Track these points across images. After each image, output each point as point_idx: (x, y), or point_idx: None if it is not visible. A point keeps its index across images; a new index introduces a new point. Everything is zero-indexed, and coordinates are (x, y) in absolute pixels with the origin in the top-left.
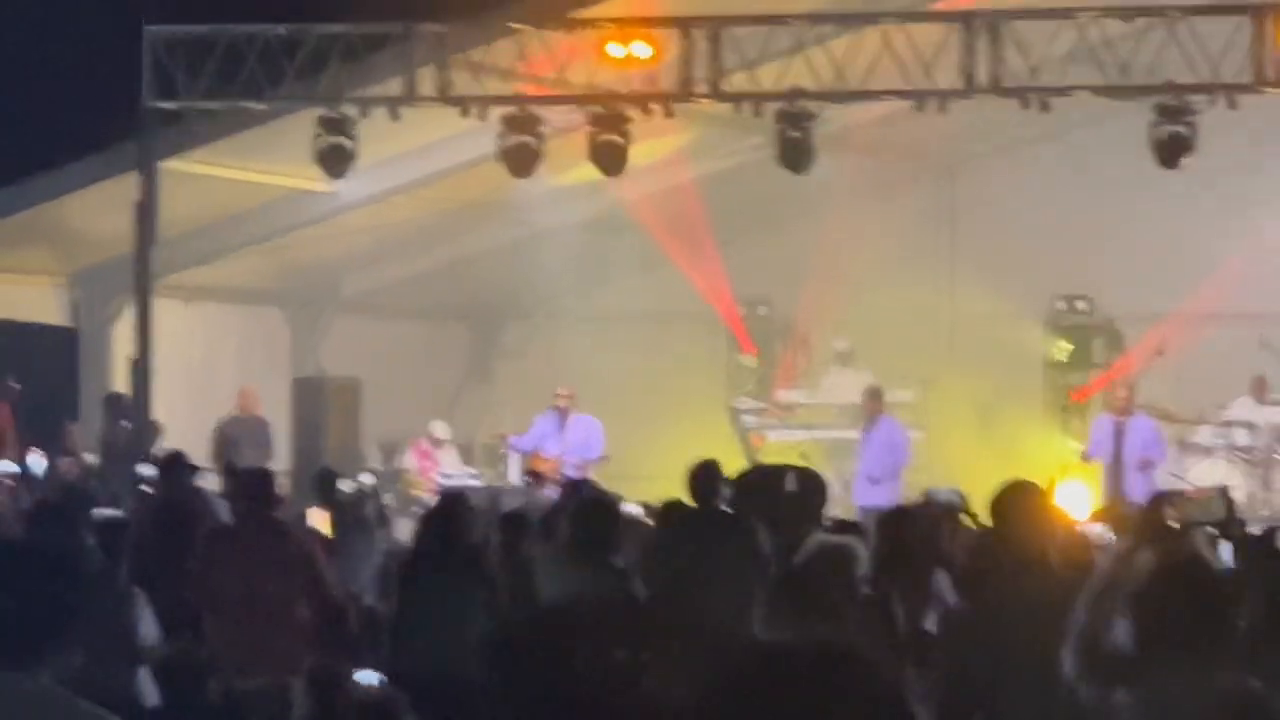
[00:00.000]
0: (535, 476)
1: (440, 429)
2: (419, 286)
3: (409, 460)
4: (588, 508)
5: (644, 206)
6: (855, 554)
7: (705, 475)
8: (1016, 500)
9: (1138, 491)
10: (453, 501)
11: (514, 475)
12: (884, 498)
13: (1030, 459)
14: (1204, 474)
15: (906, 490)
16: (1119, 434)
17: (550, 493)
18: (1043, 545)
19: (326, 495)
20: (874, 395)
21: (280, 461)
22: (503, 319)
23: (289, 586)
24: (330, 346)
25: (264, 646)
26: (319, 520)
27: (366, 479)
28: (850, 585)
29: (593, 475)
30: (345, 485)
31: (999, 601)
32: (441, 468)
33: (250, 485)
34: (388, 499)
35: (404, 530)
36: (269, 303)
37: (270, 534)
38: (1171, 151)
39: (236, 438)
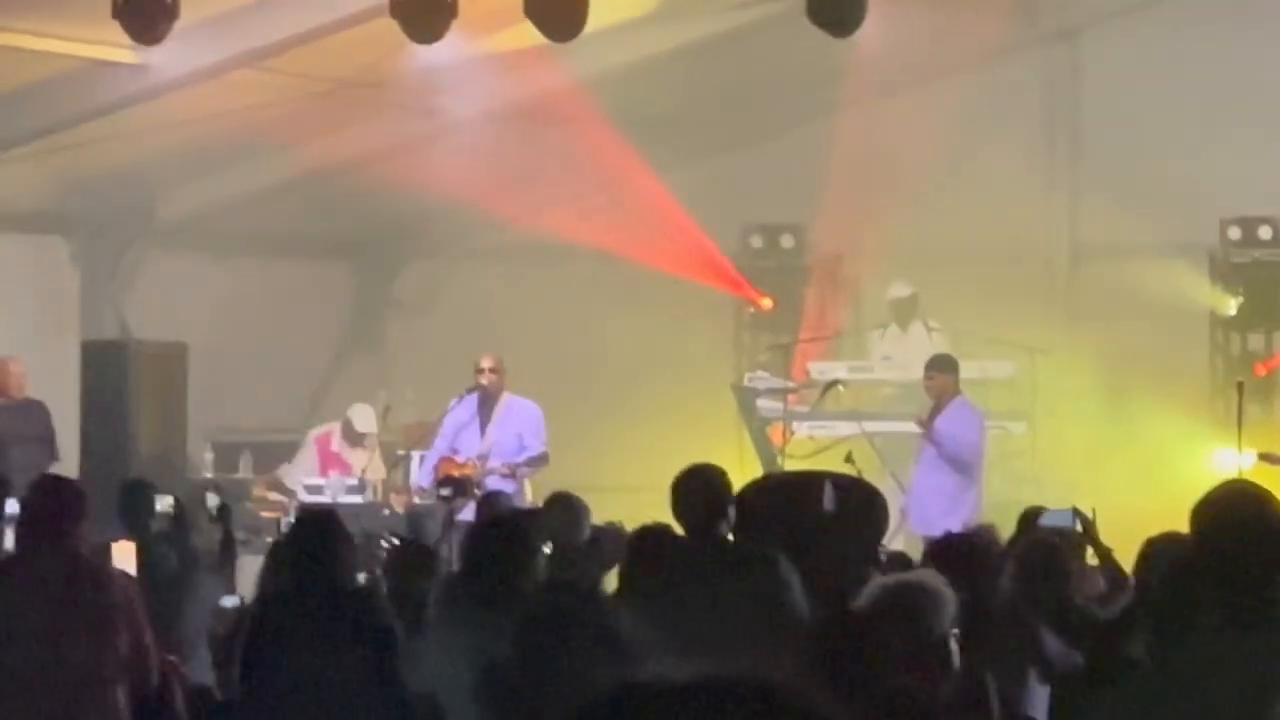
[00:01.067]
0: (450, 486)
1: (362, 418)
2: (272, 208)
3: (301, 461)
4: (481, 533)
5: (607, 88)
6: (941, 599)
7: (700, 489)
8: (1231, 512)
9: None
10: (321, 524)
11: (417, 483)
12: (947, 515)
13: (1183, 460)
14: None
15: (990, 506)
16: None
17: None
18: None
19: (136, 521)
20: (944, 366)
21: (65, 465)
22: (397, 256)
23: (101, 652)
24: (140, 295)
25: None
26: (125, 557)
27: (212, 498)
28: (934, 646)
29: (526, 485)
30: (161, 504)
31: (1175, 677)
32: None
33: (41, 503)
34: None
35: (248, 573)
36: (47, 230)
37: (76, 576)
38: None
39: (1, 432)
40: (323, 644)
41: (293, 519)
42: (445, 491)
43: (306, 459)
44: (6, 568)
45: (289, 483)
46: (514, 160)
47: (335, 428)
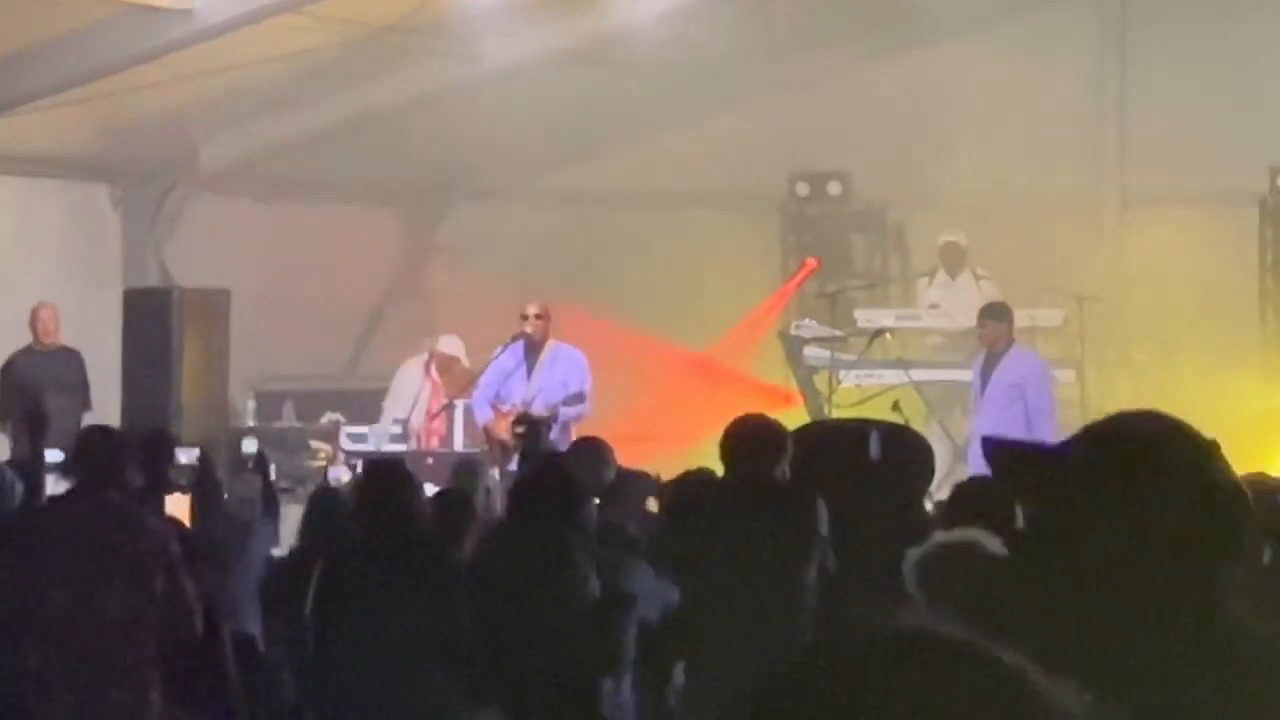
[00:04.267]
0: (491, 439)
1: (456, 348)
2: (316, 153)
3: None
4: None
5: (649, 34)
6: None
7: (751, 435)
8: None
9: None
10: (388, 473)
11: (461, 438)
12: None
13: (1238, 415)
14: None
15: None
16: None
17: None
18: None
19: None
20: (998, 314)
21: (104, 414)
22: (443, 201)
23: (136, 599)
24: (182, 243)
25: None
26: (180, 507)
27: (249, 445)
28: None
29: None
30: (186, 456)
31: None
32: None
33: (87, 450)
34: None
35: (291, 522)
36: (89, 176)
37: (113, 524)
38: None
39: (33, 379)
40: (396, 596)
41: (338, 470)
42: (520, 429)
43: (407, 388)
44: (40, 516)
45: (385, 417)
46: (560, 106)
47: (424, 358)
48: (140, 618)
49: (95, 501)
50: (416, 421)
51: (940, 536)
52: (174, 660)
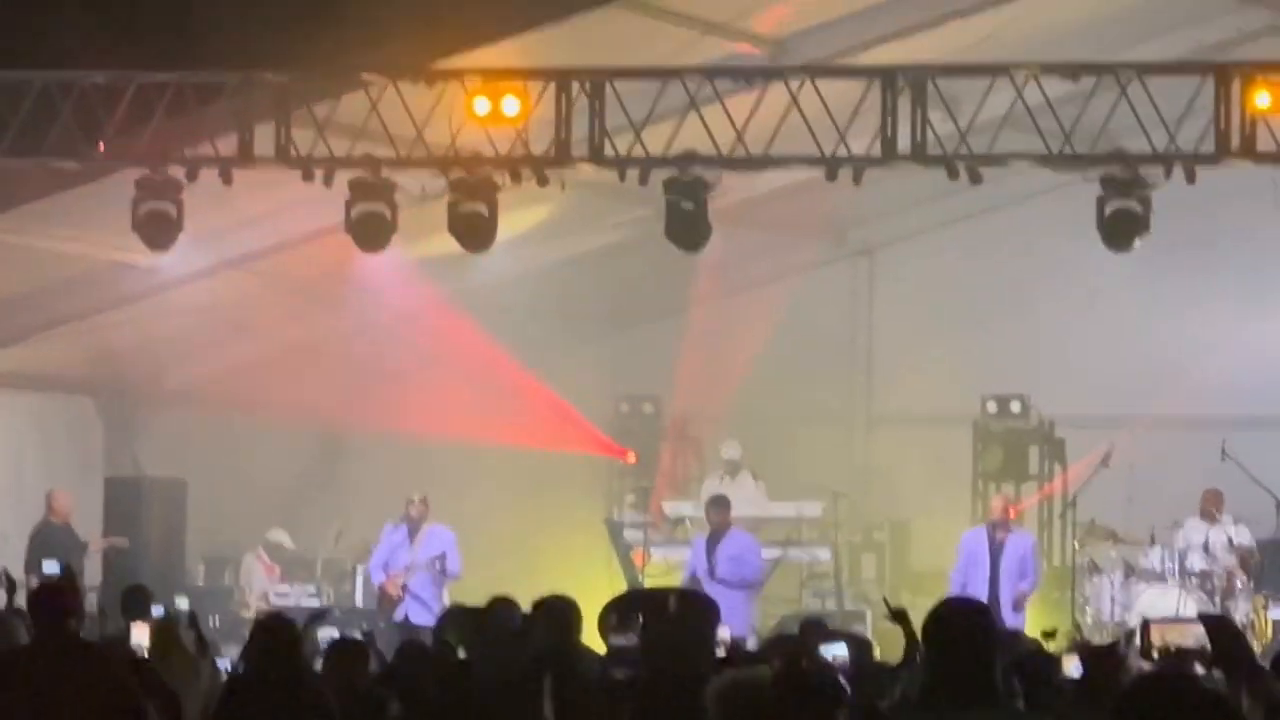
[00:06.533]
0: (382, 595)
1: (281, 538)
2: (253, 377)
3: (243, 574)
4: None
5: (512, 287)
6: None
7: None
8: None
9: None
10: (273, 624)
11: (360, 596)
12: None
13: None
14: (1154, 602)
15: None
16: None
17: (400, 613)
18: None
19: (137, 617)
20: (721, 505)
21: (89, 575)
22: (351, 414)
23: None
24: (150, 443)
25: None
26: (141, 635)
27: (182, 602)
28: None
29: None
30: (157, 609)
31: None
32: (277, 584)
33: (46, 596)
34: (213, 622)
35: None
36: (79, 392)
37: (73, 657)
38: (1121, 231)
39: (51, 549)
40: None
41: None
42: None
43: (255, 571)
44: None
45: (256, 591)
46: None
47: (261, 548)
48: None
49: (61, 638)
50: (258, 594)
51: (730, 673)
52: None
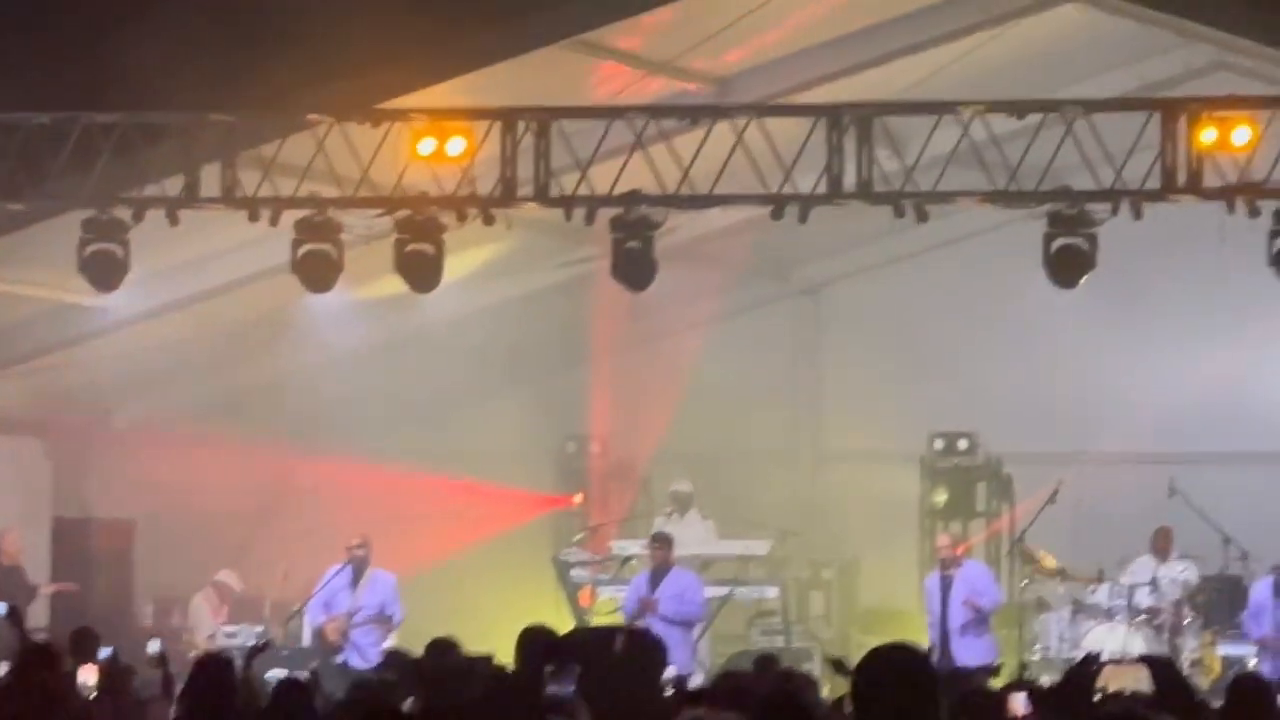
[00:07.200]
0: (323, 637)
1: (229, 578)
2: (201, 416)
3: (191, 615)
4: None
5: (459, 327)
6: None
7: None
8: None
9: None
10: (212, 667)
11: (307, 635)
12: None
13: (903, 620)
14: (1101, 639)
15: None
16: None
17: (341, 657)
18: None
19: (84, 660)
20: (664, 541)
21: (35, 616)
22: (298, 455)
23: None
24: (98, 483)
25: None
26: (89, 674)
27: (153, 645)
28: None
29: (390, 640)
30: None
31: None
32: (226, 625)
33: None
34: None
35: None
36: (26, 432)
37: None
38: (1068, 268)
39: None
40: None
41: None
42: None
43: (203, 612)
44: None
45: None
46: (389, 382)
47: (210, 588)
48: None
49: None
50: (206, 635)
51: (688, 714)
52: None
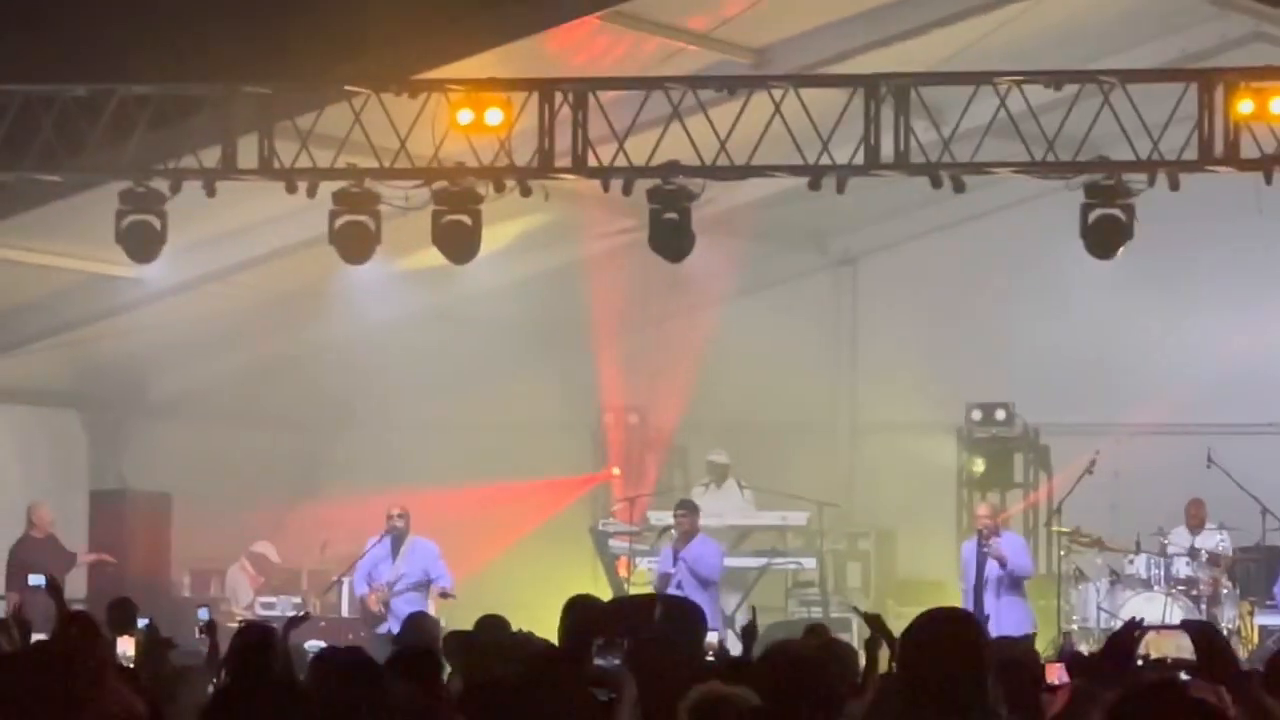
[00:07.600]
0: (365, 608)
1: (266, 549)
2: (237, 389)
3: (229, 586)
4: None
5: (495, 299)
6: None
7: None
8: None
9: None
10: (253, 635)
11: (346, 606)
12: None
13: (940, 591)
14: (1140, 610)
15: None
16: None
17: (384, 627)
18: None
19: (122, 630)
20: (689, 510)
21: (73, 588)
22: (334, 427)
23: None
24: (134, 456)
25: None
26: (126, 646)
27: (202, 614)
28: None
29: (433, 608)
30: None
31: None
32: (263, 595)
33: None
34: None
35: None
36: (63, 404)
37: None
38: (1105, 239)
39: (33, 564)
40: None
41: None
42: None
43: (240, 583)
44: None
45: (241, 603)
46: (427, 353)
47: (245, 560)
48: None
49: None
50: (244, 606)
51: (703, 688)
52: None
